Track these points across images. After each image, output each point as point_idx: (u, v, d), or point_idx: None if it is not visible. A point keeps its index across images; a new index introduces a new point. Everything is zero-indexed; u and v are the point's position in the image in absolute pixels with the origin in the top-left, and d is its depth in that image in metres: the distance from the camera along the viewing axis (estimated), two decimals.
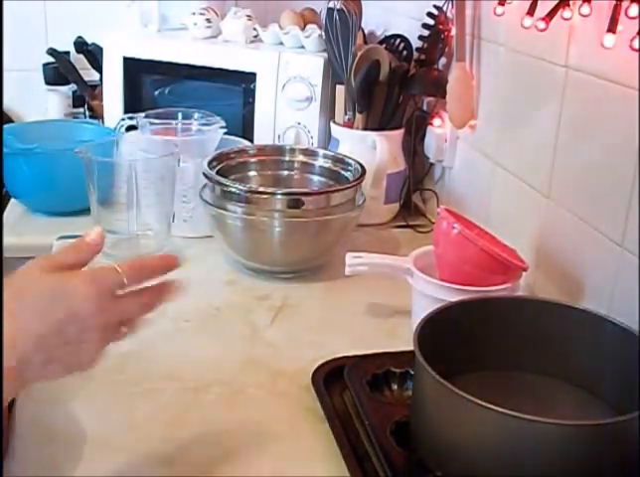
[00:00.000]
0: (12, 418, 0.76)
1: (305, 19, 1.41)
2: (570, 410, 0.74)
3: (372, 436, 0.70)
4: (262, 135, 1.33)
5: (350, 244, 1.08)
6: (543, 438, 0.58)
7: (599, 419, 0.62)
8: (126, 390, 0.81)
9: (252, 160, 1.20)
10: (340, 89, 1.27)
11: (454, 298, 0.79)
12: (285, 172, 1.21)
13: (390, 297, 1.01)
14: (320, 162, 1.19)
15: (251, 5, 1.47)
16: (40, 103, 1.57)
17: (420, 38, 1.26)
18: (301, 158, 1.21)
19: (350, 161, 1.15)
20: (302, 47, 1.34)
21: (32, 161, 1.22)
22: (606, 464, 0.60)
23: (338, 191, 1.07)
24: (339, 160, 1.18)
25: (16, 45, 1.49)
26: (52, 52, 1.55)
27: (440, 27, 1.21)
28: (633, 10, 0.74)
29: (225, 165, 1.14)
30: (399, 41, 1.32)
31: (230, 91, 1.37)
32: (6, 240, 1.13)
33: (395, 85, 1.25)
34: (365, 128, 1.25)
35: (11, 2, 1.48)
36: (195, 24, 1.41)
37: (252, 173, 1.19)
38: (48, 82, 1.57)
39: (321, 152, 1.20)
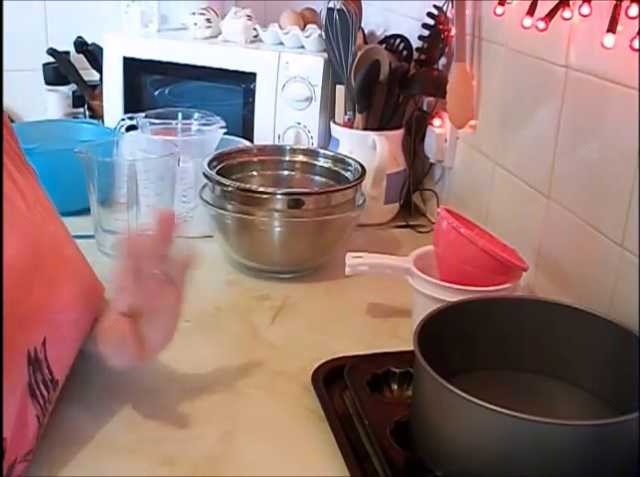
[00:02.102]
0: None
1: (305, 19, 1.41)
2: (570, 410, 0.74)
3: (372, 436, 0.70)
4: (262, 135, 1.33)
5: (350, 244, 1.08)
6: (543, 438, 0.58)
7: (599, 419, 0.62)
8: (126, 390, 0.81)
9: (253, 160, 1.20)
10: (340, 89, 1.27)
11: (454, 298, 0.79)
12: (285, 172, 1.21)
13: (390, 297, 1.01)
14: (320, 162, 1.19)
15: (251, 5, 1.47)
16: (40, 103, 1.57)
17: (420, 38, 1.26)
18: (301, 158, 1.21)
19: (350, 161, 1.15)
20: (302, 47, 1.34)
21: (32, 161, 1.20)
22: (606, 464, 0.60)
23: (338, 191, 1.07)
24: (339, 160, 1.18)
25: (16, 45, 1.49)
26: (52, 52, 1.55)
27: (440, 27, 1.21)
28: (633, 10, 0.74)
29: (225, 165, 1.14)
30: (398, 41, 1.32)
31: (230, 91, 1.37)
32: None
33: (395, 85, 1.25)
34: (365, 128, 1.25)
35: (11, 2, 1.48)
36: (195, 24, 1.41)
37: (253, 173, 1.19)
38: (48, 82, 1.57)
39: (321, 152, 1.20)
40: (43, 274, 0.66)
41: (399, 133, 1.29)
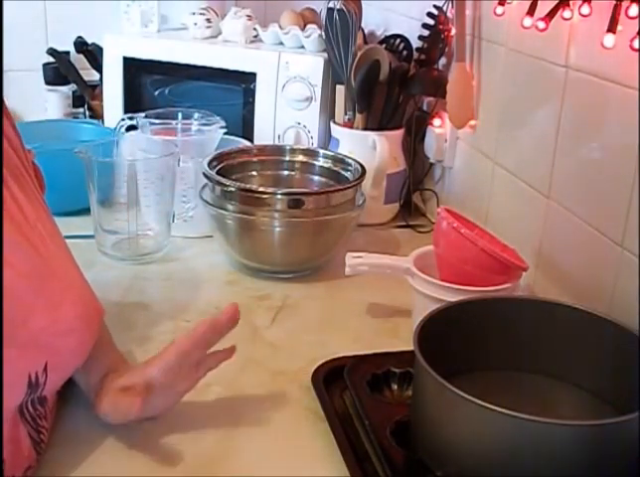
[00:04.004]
0: None
1: (305, 19, 1.41)
2: (570, 410, 0.74)
3: (372, 436, 0.70)
4: (262, 135, 1.33)
5: (350, 244, 1.08)
6: (543, 438, 0.58)
7: (599, 419, 0.62)
8: None
9: (253, 160, 1.20)
10: (340, 89, 1.27)
11: (454, 298, 0.79)
12: (285, 172, 1.21)
13: (390, 297, 1.01)
14: (320, 162, 1.19)
15: (251, 5, 1.47)
16: (40, 103, 1.57)
17: (420, 38, 1.26)
18: (301, 158, 1.21)
19: (350, 161, 1.15)
20: (302, 47, 1.34)
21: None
22: (606, 464, 0.60)
23: (338, 191, 1.07)
24: (339, 160, 1.18)
25: (16, 45, 1.49)
26: (52, 52, 1.55)
27: (440, 27, 1.21)
28: (633, 10, 0.74)
29: (225, 165, 1.14)
30: (398, 41, 1.32)
31: (230, 91, 1.37)
32: None
33: (395, 85, 1.25)
34: (365, 128, 1.25)
35: (11, 2, 1.48)
36: (195, 24, 1.41)
37: (253, 173, 1.19)
38: (48, 82, 1.57)
39: (321, 152, 1.20)
40: (45, 298, 0.65)
41: (399, 133, 1.29)
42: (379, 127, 1.25)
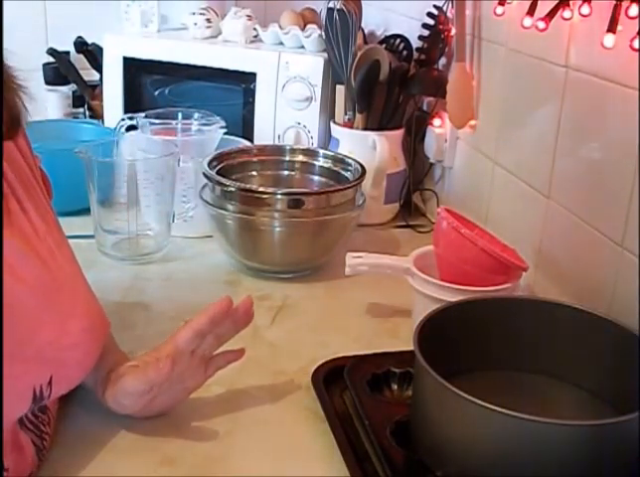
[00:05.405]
0: None
1: (305, 19, 1.41)
2: (570, 410, 0.74)
3: (372, 436, 0.70)
4: (262, 135, 1.33)
5: (350, 244, 1.08)
6: (543, 438, 0.58)
7: (599, 419, 0.62)
8: None
9: (253, 160, 1.20)
10: (340, 89, 1.27)
11: (454, 298, 0.79)
12: (285, 172, 1.21)
13: (390, 297, 1.01)
14: (320, 162, 1.19)
15: (251, 5, 1.47)
16: (40, 103, 1.57)
17: (420, 38, 1.26)
18: (301, 158, 1.21)
19: (350, 161, 1.15)
20: (302, 47, 1.34)
21: None
22: (606, 464, 0.60)
23: (338, 191, 1.07)
24: (339, 160, 1.18)
25: (16, 45, 1.48)
26: (52, 52, 1.55)
27: (440, 27, 1.21)
28: (633, 10, 0.74)
29: (225, 165, 1.14)
30: (398, 41, 1.32)
31: (230, 91, 1.37)
32: None
33: (395, 85, 1.25)
34: (365, 128, 1.25)
35: (11, 2, 1.48)
36: (195, 24, 1.41)
37: (253, 173, 1.19)
38: (48, 82, 1.57)
39: (321, 152, 1.20)
40: (53, 312, 0.65)
41: (399, 133, 1.29)
42: (379, 127, 1.25)
